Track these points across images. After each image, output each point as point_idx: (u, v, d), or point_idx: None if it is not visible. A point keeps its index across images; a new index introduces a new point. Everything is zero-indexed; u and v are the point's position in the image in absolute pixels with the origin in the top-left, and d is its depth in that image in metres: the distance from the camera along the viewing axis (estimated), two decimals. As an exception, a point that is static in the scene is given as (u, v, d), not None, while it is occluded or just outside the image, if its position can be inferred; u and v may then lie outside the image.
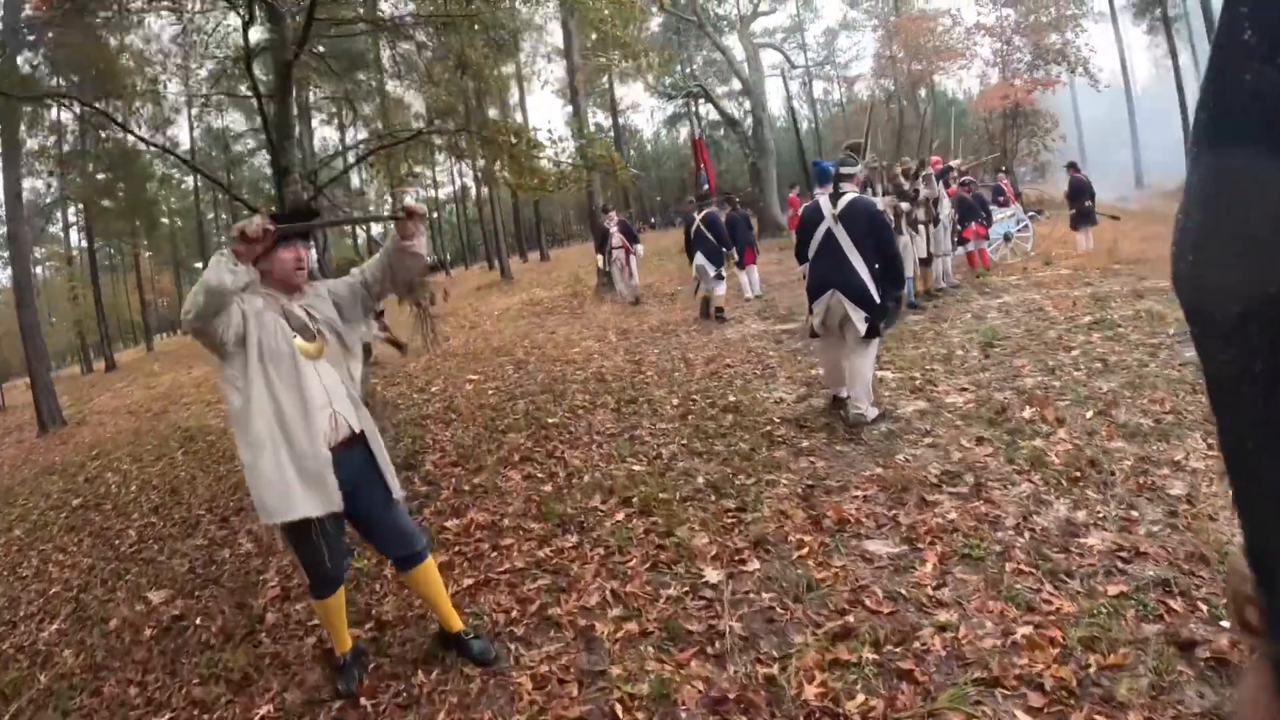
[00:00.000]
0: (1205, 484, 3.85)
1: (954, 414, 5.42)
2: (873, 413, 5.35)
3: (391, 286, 3.07)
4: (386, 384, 10.02)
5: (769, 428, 5.58)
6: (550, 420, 6.67)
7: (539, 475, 5.32)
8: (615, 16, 5.50)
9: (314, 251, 3.16)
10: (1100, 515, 3.68)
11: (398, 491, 3.03)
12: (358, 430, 2.92)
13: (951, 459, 4.65)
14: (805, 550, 3.70)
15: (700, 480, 4.71)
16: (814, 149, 42.75)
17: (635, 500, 4.50)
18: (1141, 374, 5.75)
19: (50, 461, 10.71)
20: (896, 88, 33.26)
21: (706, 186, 15.16)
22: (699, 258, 11.41)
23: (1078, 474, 4.16)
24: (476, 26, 5.95)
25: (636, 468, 5.11)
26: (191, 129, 32.49)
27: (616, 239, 14.51)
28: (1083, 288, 9.86)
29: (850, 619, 3.14)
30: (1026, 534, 3.68)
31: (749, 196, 21.81)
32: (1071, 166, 13.35)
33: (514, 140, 5.63)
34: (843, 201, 5.12)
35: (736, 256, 11.60)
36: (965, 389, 5.94)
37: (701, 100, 29.79)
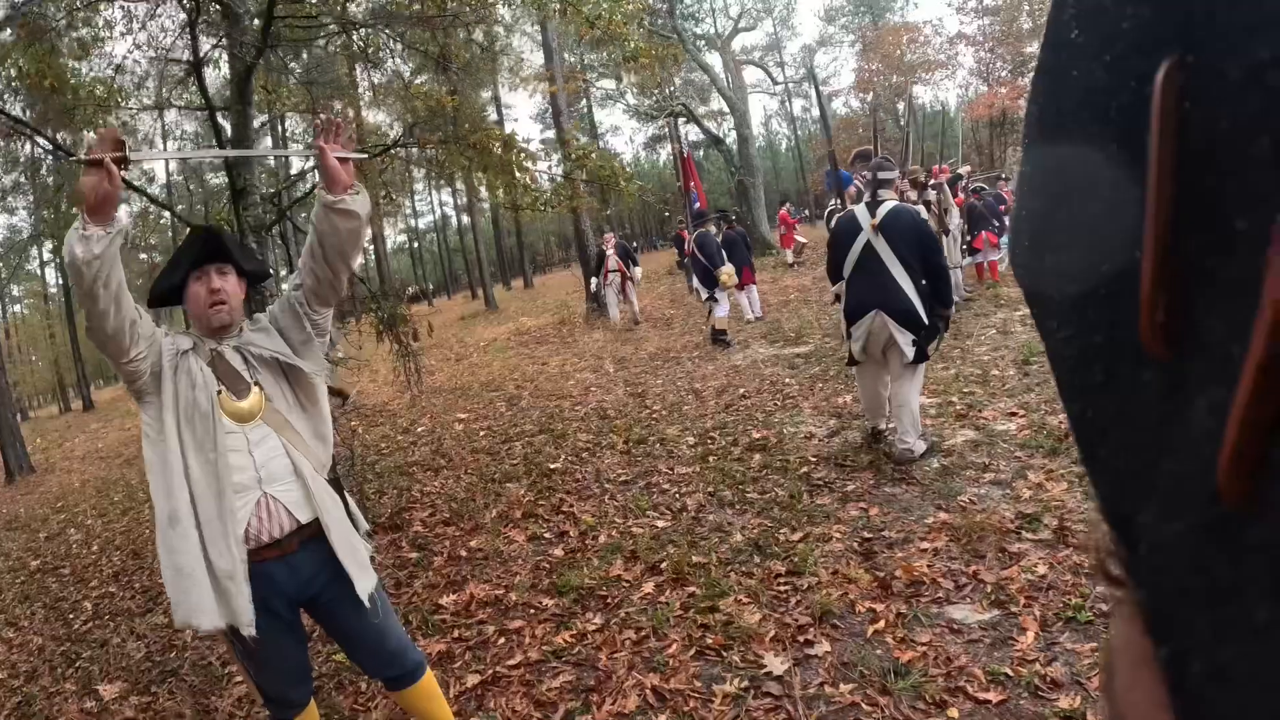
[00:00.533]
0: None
1: (1009, 443, 4.89)
2: (921, 447, 4.81)
3: (326, 268, 2.25)
4: (368, 425, 9.38)
5: (805, 469, 5.01)
6: (552, 466, 6.07)
7: (546, 536, 4.71)
8: (613, 12, 4.99)
9: (233, 278, 2.31)
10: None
11: (368, 595, 2.26)
12: (306, 520, 2.21)
13: (1021, 497, 4.11)
14: (880, 623, 3.13)
15: (738, 537, 4.12)
16: (796, 166, 42.84)
17: (665, 566, 3.91)
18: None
19: (14, 514, 10.04)
20: (876, 100, 33.48)
21: (698, 204, 14.70)
22: (694, 280, 10.92)
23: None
24: (459, 26, 5.40)
25: (660, 523, 4.52)
26: (167, 164, 31.71)
27: (613, 261, 14.01)
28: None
29: (954, 713, 2.57)
30: None
31: (737, 216, 21.54)
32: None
33: (502, 150, 5.06)
34: (882, 210, 4.60)
35: (736, 278, 11.05)
36: (1014, 413, 5.41)
37: (683, 120, 29.61)
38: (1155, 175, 0.28)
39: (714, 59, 28.21)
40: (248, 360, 2.24)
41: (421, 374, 7.68)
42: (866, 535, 3.93)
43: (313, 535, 2.22)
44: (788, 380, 7.79)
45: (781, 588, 3.52)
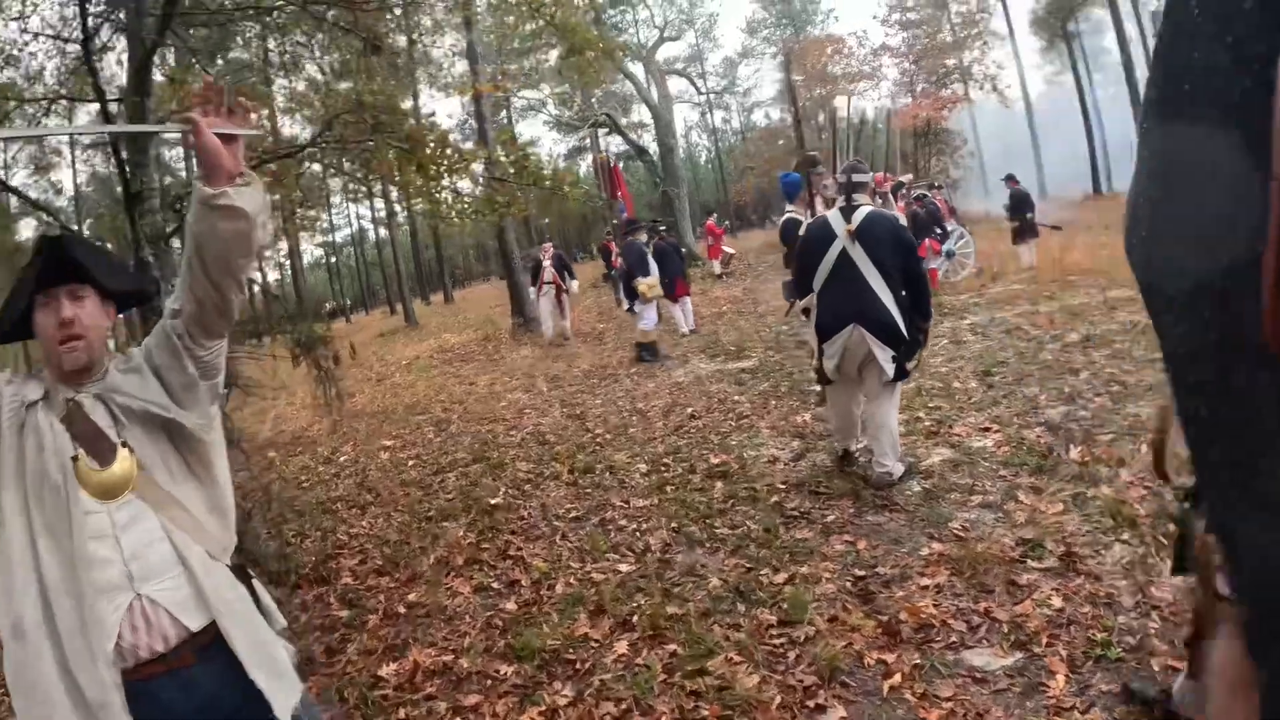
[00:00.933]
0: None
1: (990, 461, 4.69)
2: (899, 469, 4.55)
3: (209, 286, 1.68)
4: (286, 455, 8.67)
5: (776, 498, 4.69)
6: (492, 501, 5.59)
7: (495, 586, 4.25)
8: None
9: (92, 302, 1.73)
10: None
11: (290, 715, 1.71)
12: (199, 626, 1.64)
13: (1017, 521, 3.89)
14: (896, 677, 2.82)
15: (715, 581, 3.75)
16: (717, 178, 43.22)
17: (637, 619, 3.50)
18: (1170, 395, 5.17)
19: None
20: (797, 112, 34.12)
21: (625, 214, 14.43)
22: (620, 292, 10.60)
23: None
24: (387, 9, 4.90)
25: (623, 567, 4.11)
26: (74, 174, 29.57)
27: (549, 273, 13.55)
28: (1047, 302, 9.50)
29: (997, 786, 2.27)
30: (1154, 614, 2.96)
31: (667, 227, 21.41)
32: (1010, 179, 13.19)
33: (434, 149, 4.56)
34: (858, 215, 4.32)
35: (659, 290, 10.67)
36: (988, 428, 5.23)
37: (605, 131, 29.53)
38: None
39: (637, 69, 28.19)
40: (114, 413, 1.68)
41: (343, 399, 7.11)
42: (859, 573, 3.62)
43: (212, 641, 1.66)
44: (737, 398, 7.51)
45: (776, 641, 3.16)
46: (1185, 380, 0.44)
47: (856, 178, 4.43)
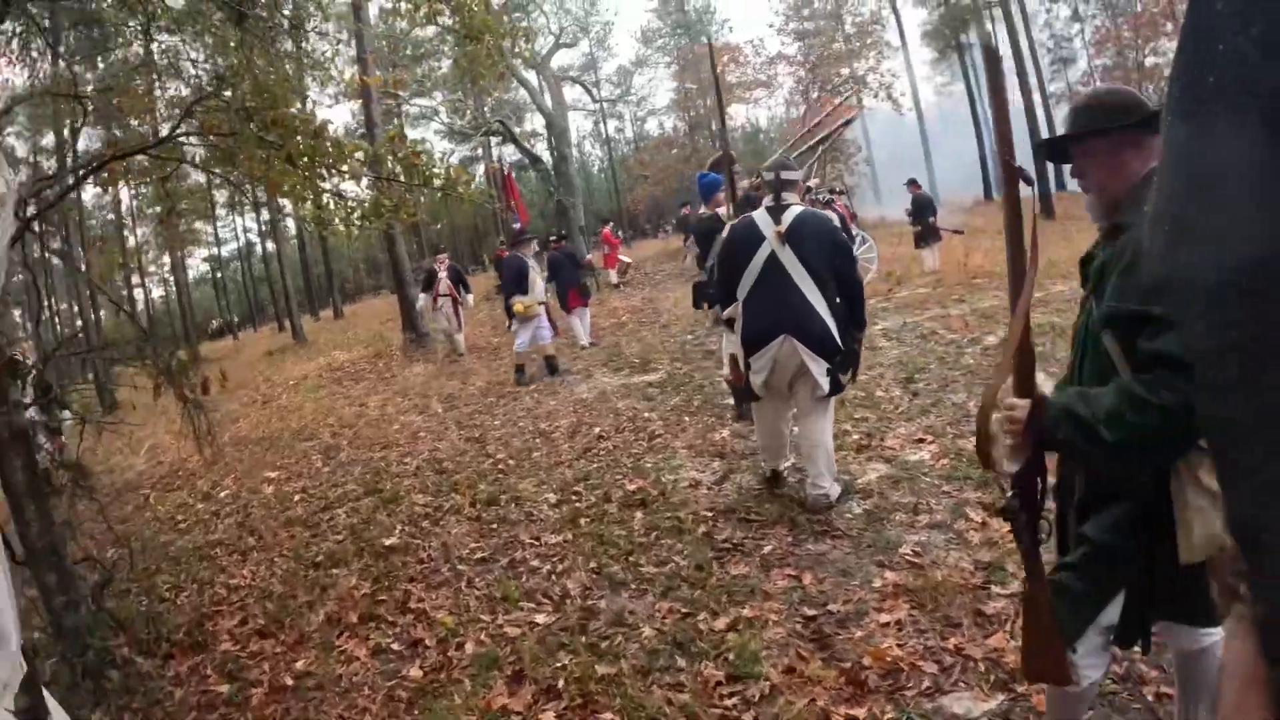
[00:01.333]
0: None
1: (931, 476, 4.48)
2: (836, 490, 4.28)
3: None
4: (161, 491, 7.78)
5: (703, 528, 4.33)
6: (387, 542, 5.02)
7: (395, 647, 3.71)
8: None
9: None
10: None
11: None
12: None
13: (971, 542, 3.68)
14: (871, 739, 2.49)
15: (647, 631, 3.34)
16: (610, 188, 43.16)
17: (563, 684, 3.07)
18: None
19: None
20: (689, 120, 34.62)
21: (519, 224, 13.94)
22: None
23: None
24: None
25: (540, 618, 3.66)
26: None
27: (444, 285, 12.87)
28: (956, 305, 9.56)
29: None
30: None
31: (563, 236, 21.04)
32: (913, 183, 13.38)
33: (307, 140, 3.97)
34: (788, 216, 4.01)
35: (539, 307, 10.02)
36: (921, 440, 5.04)
37: (499, 140, 29.01)
38: None
39: (531, 76, 27.83)
40: None
41: (214, 432, 6.39)
42: (809, 612, 3.29)
43: None
44: (648, 415, 7.14)
45: (728, 701, 2.79)
46: (1208, 379, 0.43)
47: (785, 175, 4.12)
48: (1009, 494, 1.99)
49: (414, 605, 4.07)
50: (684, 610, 3.47)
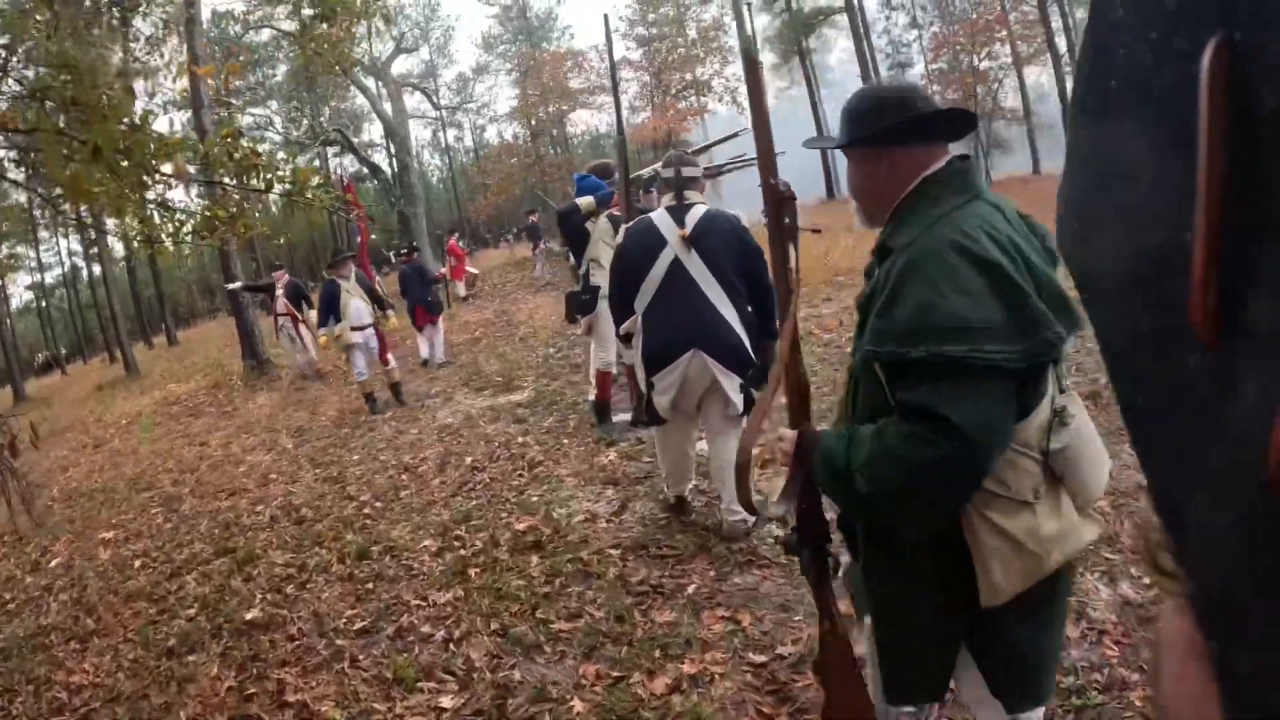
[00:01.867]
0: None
1: (845, 489, 4.32)
2: (752, 515, 4.04)
3: None
4: None
5: (613, 570, 3.97)
6: (248, 615, 4.35)
7: (268, 758, 3.16)
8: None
9: None
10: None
11: None
12: None
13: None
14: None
15: (578, 705, 2.96)
16: (450, 197, 42.33)
17: (489, 786, 2.65)
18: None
19: None
20: (534, 126, 34.58)
21: (359, 238, 13.19)
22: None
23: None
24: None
25: (447, 701, 3.19)
26: None
27: (282, 304, 11.89)
28: (825, 304, 9.67)
29: None
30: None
31: (397, 247, 20.27)
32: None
33: (117, 129, 3.27)
34: (693, 217, 3.72)
35: (349, 339, 9.05)
36: (826, 449, 4.90)
37: (337, 150, 27.80)
38: (1205, 155, 0.29)
39: (370, 83, 26.82)
40: None
41: (30, 500, 5.47)
42: (757, 659, 3.02)
43: None
44: (522, 440, 6.72)
45: (691, 786, 2.47)
46: (1123, 370, 0.46)
47: (686, 172, 3.83)
48: (789, 528, 1.95)
49: (291, 697, 3.48)
50: (614, 674, 3.11)
